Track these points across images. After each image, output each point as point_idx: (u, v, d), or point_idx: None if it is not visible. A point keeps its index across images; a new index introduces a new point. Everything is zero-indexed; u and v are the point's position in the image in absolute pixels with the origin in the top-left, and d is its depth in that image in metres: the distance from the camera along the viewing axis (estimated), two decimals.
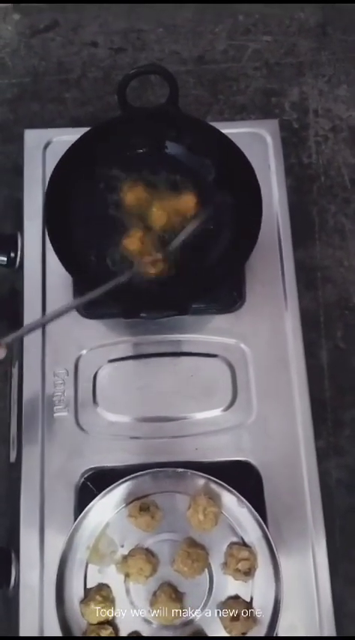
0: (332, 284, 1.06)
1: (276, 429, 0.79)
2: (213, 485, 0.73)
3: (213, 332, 0.83)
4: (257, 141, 0.92)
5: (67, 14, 1.20)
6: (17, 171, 0.93)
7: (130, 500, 0.73)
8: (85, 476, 0.77)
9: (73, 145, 0.80)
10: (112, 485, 0.72)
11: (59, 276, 0.84)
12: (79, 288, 0.81)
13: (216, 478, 0.74)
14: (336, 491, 0.89)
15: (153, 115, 0.81)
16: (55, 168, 0.80)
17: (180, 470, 0.73)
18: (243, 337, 0.83)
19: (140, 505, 0.72)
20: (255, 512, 0.72)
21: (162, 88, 1.13)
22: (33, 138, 0.93)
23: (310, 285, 0.97)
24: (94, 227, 0.79)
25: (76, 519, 0.72)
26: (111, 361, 0.82)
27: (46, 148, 0.92)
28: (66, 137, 0.86)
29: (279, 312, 0.84)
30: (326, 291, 1.06)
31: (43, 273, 0.85)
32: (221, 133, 0.80)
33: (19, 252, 0.87)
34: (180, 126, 0.80)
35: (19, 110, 1.12)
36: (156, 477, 0.73)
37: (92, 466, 0.78)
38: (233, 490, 0.72)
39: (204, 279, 0.76)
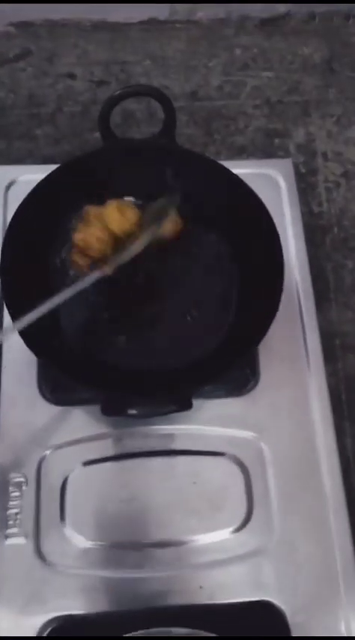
0: (353, 354, 0.89)
1: (306, 554, 0.59)
2: None
3: (220, 421, 0.64)
4: (267, 184, 0.77)
5: (40, 42, 1.06)
6: None
7: None
8: (48, 631, 0.56)
9: (42, 181, 0.62)
10: None
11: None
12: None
13: (230, 629, 0.54)
14: None
15: (145, 149, 0.64)
16: (17, 210, 0.62)
17: (182, 630, 0.52)
18: (259, 428, 0.64)
19: None
20: None
21: (149, 125, 0.98)
22: None
23: (328, 356, 0.80)
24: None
25: None
26: (85, 464, 0.62)
27: (8, 188, 0.74)
28: (34, 176, 0.67)
29: (303, 394, 0.66)
30: (347, 363, 0.89)
31: None
32: (230, 172, 0.63)
33: None
34: (179, 161, 0.64)
35: None
36: None
37: (57, 614, 0.56)
38: None
39: (211, 359, 0.58)
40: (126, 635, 0.52)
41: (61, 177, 0.62)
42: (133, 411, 0.51)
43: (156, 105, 0.74)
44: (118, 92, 0.61)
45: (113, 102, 0.61)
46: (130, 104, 1.00)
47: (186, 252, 0.63)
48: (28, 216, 0.61)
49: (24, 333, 0.55)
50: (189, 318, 0.61)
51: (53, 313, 0.58)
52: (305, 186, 1.00)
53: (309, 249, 0.84)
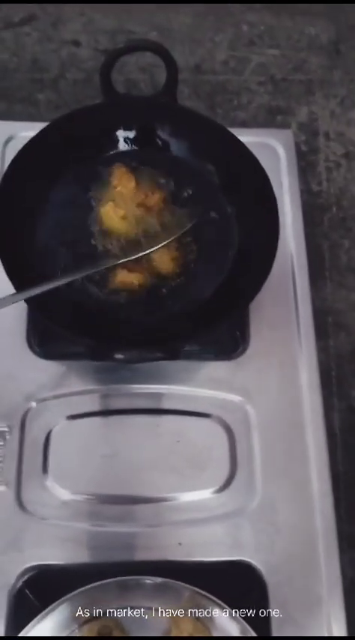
0: (345, 332, 0.89)
1: (287, 518, 0.59)
2: (203, 602, 0.52)
3: (208, 384, 0.64)
4: (267, 152, 0.76)
5: (46, 8, 1.05)
6: None
7: (86, 619, 0.52)
8: (24, 579, 0.55)
9: (39, 133, 0.62)
10: (62, 599, 0.51)
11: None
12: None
13: (206, 586, 0.53)
14: None
15: (145, 104, 0.64)
16: (10, 163, 0.61)
17: (158, 580, 0.52)
18: (246, 392, 0.64)
19: (99, 628, 0.50)
20: None
21: (151, 89, 0.96)
22: None
23: (320, 333, 0.79)
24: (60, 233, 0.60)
25: None
26: (69, 418, 0.61)
27: (7, 143, 0.74)
28: (33, 133, 0.67)
29: (292, 363, 0.66)
30: (339, 340, 0.89)
31: None
32: (229, 132, 0.63)
33: None
34: (179, 120, 0.63)
35: None
36: (124, 588, 0.52)
37: (34, 563, 0.56)
38: (229, 609, 0.52)
39: (201, 313, 0.58)
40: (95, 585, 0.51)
41: (58, 131, 0.62)
42: (120, 356, 0.51)
43: (160, 76, 0.73)
44: (119, 47, 0.61)
45: (116, 54, 0.60)
46: (134, 74, 0.99)
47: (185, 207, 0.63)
48: (23, 167, 0.60)
49: (16, 284, 0.55)
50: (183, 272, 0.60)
51: (42, 263, 0.58)
52: (305, 164, 1.00)
53: (307, 227, 0.84)
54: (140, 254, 0.57)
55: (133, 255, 0.57)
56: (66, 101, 0.99)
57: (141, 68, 0.98)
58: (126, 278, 0.57)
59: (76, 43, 1.04)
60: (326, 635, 0.56)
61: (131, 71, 0.98)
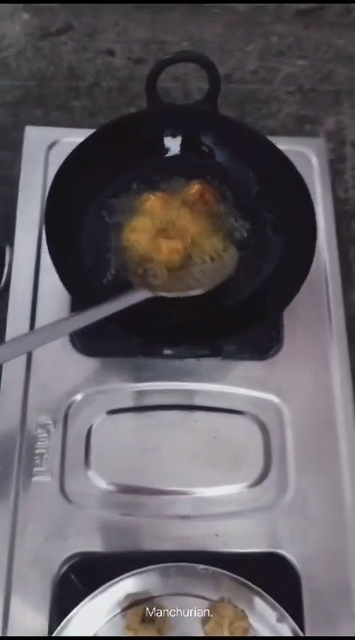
0: None
1: (320, 512, 0.61)
2: (242, 589, 0.54)
3: (243, 382, 0.66)
4: (299, 161, 0.77)
5: (82, 18, 1.09)
6: (12, 181, 0.78)
7: (129, 604, 0.54)
8: (68, 564, 0.58)
9: (85, 140, 0.65)
10: (108, 583, 0.53)
11: (54, 299, 0.67)
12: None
13: (242, 576, 0.55)
14: None
15: (189, 113, 0.67)
16: (61, 167, 0.64)
17: (199, 566, 0.54)
18: (280, 391, 0.66)
19: (142, 613, 0.53)
20: (298, 629, 0.53)
21: (182, 97, 0.99)
22: (35, 136, 0.79)
23: (348, 338, 0.82)
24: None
25: (51, 629, 0.53)
26: (110, 412, 0.64)
27: (50, 148, 0.77)
28: (75, 139, 0.70)
29: (325, 363, 0.68)
30: None
31: (34, 297, 0.69)
32: (269, 140, 0.66)
33: (5, 269, 0.70)
34: (220, 127, 0.66)
35: (20, 115, 0.99)
36: (166, 575, 0.54)
37: (78, 551, 0.58)
38: (267, 597, 0.54)
39: (241, 313, 0.60)
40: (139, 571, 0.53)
41: (104, 137, 0.65)
42: (169, 352, 0.53)
43: (191, 84, 0.76)
44: (166, 57, 0.63)
45: (162, 65, 0.63)
46: (166, 82, 1.02)
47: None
48: (74, 171, 0.63)
49: (67, 283, 0.58)
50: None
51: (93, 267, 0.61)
52: (332, 172, 1.02)
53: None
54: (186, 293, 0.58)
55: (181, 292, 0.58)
56: (100, 108, 1.02)
57: (173, 77, 1.01)
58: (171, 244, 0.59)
59: (111, 53, 1.07)
60: None
61: (163, 79, 1.00)
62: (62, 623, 0.51)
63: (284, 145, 0.77)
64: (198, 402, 0.65)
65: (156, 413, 0.65)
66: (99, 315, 0.53)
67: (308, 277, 0.63)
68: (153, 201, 0.61)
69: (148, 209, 0.61)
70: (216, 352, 0.55)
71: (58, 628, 0.51)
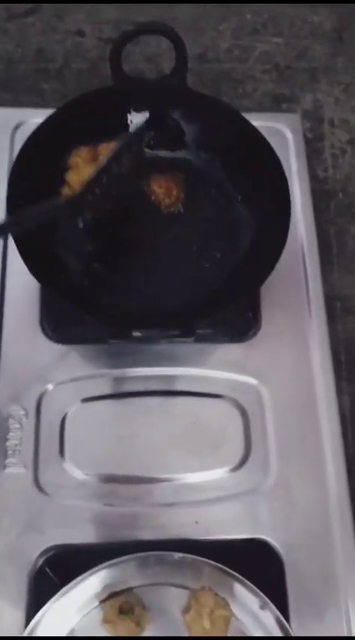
0: (353, 316, 0.89)
1: (302, 496, 0.60)
2: (223, 577, 0.53)
3: (221, 366, 0.64)
4: (274, 137, 0.75)
5: None
6: None
7: (106, 596, 0.52)
8: (44, 558, 0.56)
9: (50, 116, 0.62)
10: (82, 575, 0.51)
11: (22, 285, 0.65)
12: None
13: (224, 564, 0.54)
14: None
15: (155, 88, 0.64)
16: (23, 147, 0.62)
17: (177, 555, 0.52)
18: (259, 373, 0.64)
19: (120, 605, 0.51)
20: (281, 617, 0.51)
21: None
22: (1, 117, 0.75)
23: (328, 318, 0.80)
24: None
25: (27, 623, 0.51)
26: (85, 400, 0.62)
27: (16, 129, 0.74)
28: (42, 119, 0.67)
29: (304, 344, 0.67)
30: (348, 325, 0.89)
31: (2, 282, 0.66)
32: (238, 113, 0.63)
33: None
34: (189, 103, 0.63)
35: None
36: (144, 564, 0.53)
37: (54, 543, 0.57)
38: (249, 584, 0.52)
39: (214, 294, 0.58)
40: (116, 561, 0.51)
41: (72, 111, 0.62)
42: (138, 334, 0.51)
43: (165, 64, 0.73)
44: (130, 30, 0.61)
45: (126, 37, 0.61)
46: (140, 63, 1.00)
47: (197, 192, 0.63)
48: (33, 153, 0.60)
49: (32, 268, 0.56)
50: (196, 255, 0.61)
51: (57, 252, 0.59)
52: (310, 151, 1.00)
53: (314, 213, 0.85)
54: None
55: None
56: (71, 90, 0.99)
57: (146, 57, 0.98)
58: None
59: (81, 33, 1.04)
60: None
61: (137, 60, 0.98)
62: (38, 615, 0.49)
63: (258, 121, 0.74)
64: (175, 386, 0.64)
65: (133, 399, 0.63)
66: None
67: (285, 257, 0.60)
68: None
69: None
70: (187, 333, 0.53)
71: (33, 620, 0.49)
